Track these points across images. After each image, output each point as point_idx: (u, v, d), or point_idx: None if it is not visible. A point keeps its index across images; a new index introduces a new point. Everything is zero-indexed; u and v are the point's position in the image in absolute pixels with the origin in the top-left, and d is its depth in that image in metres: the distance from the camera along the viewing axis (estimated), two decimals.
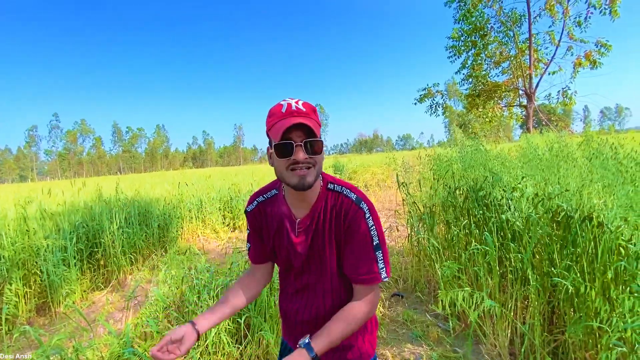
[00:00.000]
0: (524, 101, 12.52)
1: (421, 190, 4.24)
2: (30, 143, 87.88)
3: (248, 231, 1.10)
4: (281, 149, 0.83)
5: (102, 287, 4.19)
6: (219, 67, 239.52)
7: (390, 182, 9.91)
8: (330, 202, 0.93)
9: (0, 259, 3.40)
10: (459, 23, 12.27)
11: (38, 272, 3.55)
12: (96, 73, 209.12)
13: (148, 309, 2.47)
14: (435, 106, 13.76)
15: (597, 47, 11.01)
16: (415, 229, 3.55)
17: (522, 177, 2.61)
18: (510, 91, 12.91)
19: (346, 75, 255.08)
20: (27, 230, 3.65)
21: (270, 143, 0.90)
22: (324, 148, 0.91)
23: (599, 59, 11.00)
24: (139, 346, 2.25)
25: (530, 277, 2.02)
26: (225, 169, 22.69)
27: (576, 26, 11.18)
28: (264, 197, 1.05)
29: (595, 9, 10.59)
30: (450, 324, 2.58)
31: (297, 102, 0.87)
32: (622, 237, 1.62)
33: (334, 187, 0.95)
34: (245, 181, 8.71)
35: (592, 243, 1.75)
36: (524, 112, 12.78)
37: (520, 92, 12.67)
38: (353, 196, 0.92)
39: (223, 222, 6.97)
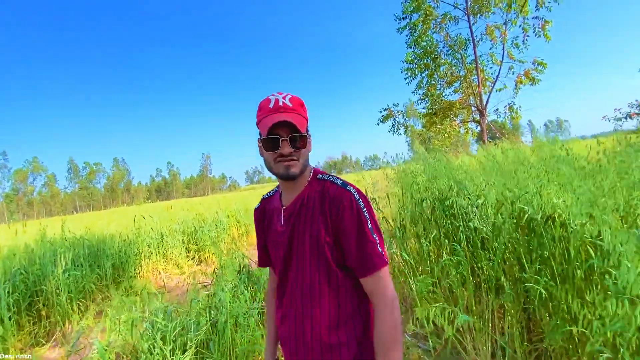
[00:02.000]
0: (477, 117, 13.38)
1: (390, 205, 4.22)
2: None
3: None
4: (268, 143, 0.89)
5: (44, 342, 3.64)
6: (181, 96, 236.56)
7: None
8: (316, 189, 0.95)
9: None
10: (411, 47, 13.10)
11: None
12: (49, 106, 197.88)
13: None
14: (397, 125, 14.32)
15: (534, 65, 12.16)
16: (387, 245, 3.47)
17: (485, 184, 2.65)
18: (464, 108, 13.77)
19: (312, 99, 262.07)
20: None
21: (259, 135, 0.94)
22: (310, 141, 0.97)
23: (537, 76, 12.14)
24: None
25: (504, 284, 1.97)
26: (191, 200, 21.78)
27: (514, 48, 12.34)
28: (267, 194, 1.13)
29: (530, 33, 11.79)
30: (430, 343, 2.45)
31: (284, 98, 0.91)
32: (588, 235, 1.62)
33: (322, 176, 0.98)
34: (210, 210, 8.29)
35: (560, 243, 1.74)
36: (478, 127, 13.62)
37: (473, 109, 13.55)
38: (339, 182, 0.94)
39: (187, 256, 6.50)
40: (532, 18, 11.68)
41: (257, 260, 1.20)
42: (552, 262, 1.76)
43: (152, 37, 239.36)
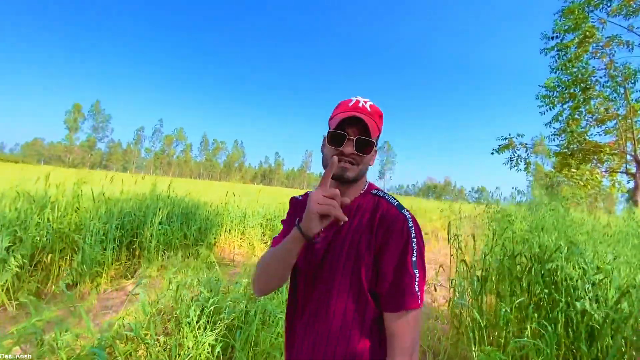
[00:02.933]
0: (633, 168, 10.44)
1: (475, 247, 3.54)
2: (136, 141, 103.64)
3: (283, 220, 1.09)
4: (333, 137, 0.86)
5: (130, 276, 4.31)
6: (302, 93, 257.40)
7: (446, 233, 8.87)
8: (369, 203, 0.90)
9: (49, 229, 3.71)
10: (556, 72, 11.05)
11: (76, 248, 3.77)
12: (198, 87, 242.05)
13: (135, 312, 2.33)
14: (517, 159, 12.30)
15: None
16: (459, 293, 2.90)
17: (615, 258, 1.90)
18: (615, 155, 10.95)
19: (419, 113, 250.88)
20: (77, 208, 3.95)
21: (328, 132, 0.92)
22: (375, 155, 0.93)
23: None
24: (114, 349, 2.09)
25: None
26: (284, 190, 23.32)
27: None
28: (299, 197, 1.09)
29: None
30: None
31: (365, 102, 0.90)
32: None
33: (377, 192, 0.93)
34: None
35: None
36: (630, 182, 10.63)
37: (629, 158, 10.63)
38: (395, 202, 0.89)
39: (261, 239, 6.89)
40: None
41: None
42: None
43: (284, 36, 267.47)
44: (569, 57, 10.58)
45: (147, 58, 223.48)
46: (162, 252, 4.69)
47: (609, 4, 10.10)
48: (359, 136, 0.85)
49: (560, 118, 11.33)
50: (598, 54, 10.55)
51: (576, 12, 10.13)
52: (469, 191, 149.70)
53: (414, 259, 0.79)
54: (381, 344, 0.82)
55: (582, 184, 11.36)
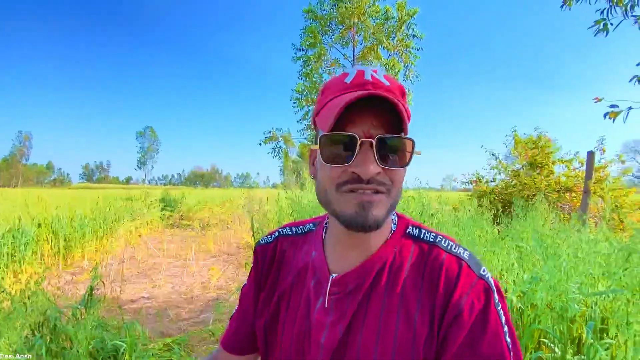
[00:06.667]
0: None
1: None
2: None
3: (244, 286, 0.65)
4: (331, 146, 0.45)
5: None
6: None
7: (232, 223, 9.02)
8: (411, 257, 0.51)
9: None
10: (302, 79, 13.64)
11: None
12: None
13: None
14: (278, 150, 14.41)
15: None
16: None
17: None
18: None
19: (182, 98, 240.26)
20: None
21: (316, 139, 0.50)
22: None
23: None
24: None
25: None
26: None
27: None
28: (291, 230, 0.64)
29: None
30: None
31: (375, 71, 0.48)
32: None
33: (418, 231, 0.53)
34: (9, 211, 5.72)
35: None
36: None
37: None
38: (464, 254, 0.50)
39: None
40: None
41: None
42: None
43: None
44: (310, 68, 13.34)
45: None
46: None
47: (332, 34, 13.53)
48: (385, 134, 0.45)
49: (307, 117, 14.15)
50: (328, 70, 14.02)
51: (315, 32, 12.81)
52: (235, 177, 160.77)
53: (507, 341, 0.45)
54: None
55: None
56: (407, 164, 0.47)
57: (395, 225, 0.55)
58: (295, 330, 0.53)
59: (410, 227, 0.54)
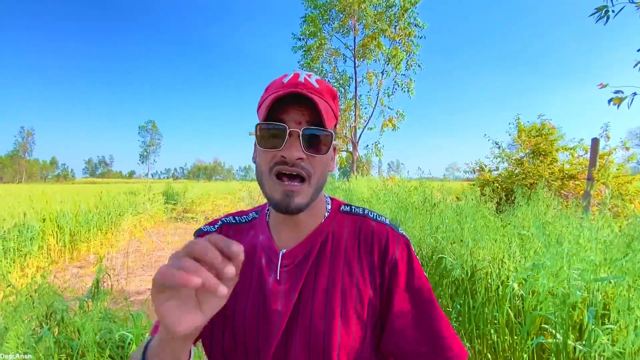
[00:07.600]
0: (350, 148, 14.80)
1: None
2: None
3: None
4: (264, 134, 0.55)
5: None
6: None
7: None
8: (346, 227, 0.62)
9: None
10: (303, 69, 13.56)
11: None
12: None
13: None
14: None
15: (397, 115, 14.46)
16: None
17: None
18: (339, 138, 15.05)
19: (185, 92, 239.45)
20: None
21: (256, 129, 0.58)
22: (335, 154, 0.66)
23: (397, 124, 14.46)
24: None
25: None
26: None
27: (386, 96, 14.42)
28: (235, 219, 0.69)
29: (398, 86, 14.02)
30: None
31: (309, 75, 0.59)
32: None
33: (350, 209, 0.65)
34: (14, 206, 5.79)
35: None
36: (350, 159, 15.06)
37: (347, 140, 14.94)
38: (386, 220, 0.64)
39: None
40: (402, 75, 13.97)
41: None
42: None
43: None
44: (311, 57, 13.25)
45: None
46: None
47: (332, 22, 13.37)
48: (308, 126, 0.54)
49: None
50: (328, 60, 13.91)
51: (316, 21, 12.66)
52: (237, 170, 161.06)
53: (425, 275, 0.61)
54: None
55: None
56: (325, 153, 0.57)
57: (330, 206, 0.66)
58: (250, 302, 0.58)
59: (343, 205, 0.67)
